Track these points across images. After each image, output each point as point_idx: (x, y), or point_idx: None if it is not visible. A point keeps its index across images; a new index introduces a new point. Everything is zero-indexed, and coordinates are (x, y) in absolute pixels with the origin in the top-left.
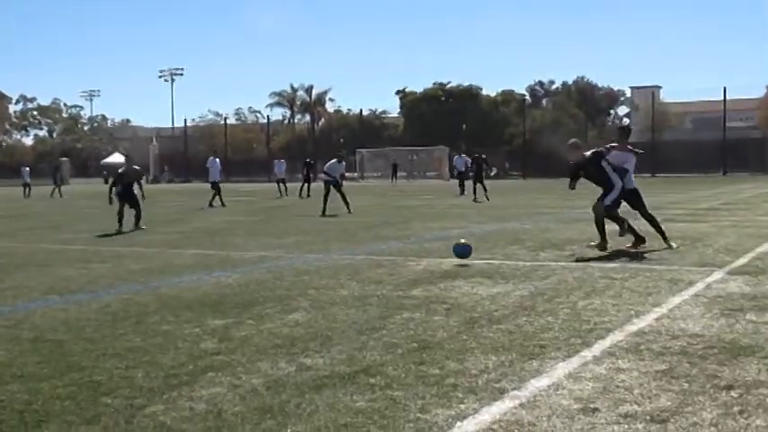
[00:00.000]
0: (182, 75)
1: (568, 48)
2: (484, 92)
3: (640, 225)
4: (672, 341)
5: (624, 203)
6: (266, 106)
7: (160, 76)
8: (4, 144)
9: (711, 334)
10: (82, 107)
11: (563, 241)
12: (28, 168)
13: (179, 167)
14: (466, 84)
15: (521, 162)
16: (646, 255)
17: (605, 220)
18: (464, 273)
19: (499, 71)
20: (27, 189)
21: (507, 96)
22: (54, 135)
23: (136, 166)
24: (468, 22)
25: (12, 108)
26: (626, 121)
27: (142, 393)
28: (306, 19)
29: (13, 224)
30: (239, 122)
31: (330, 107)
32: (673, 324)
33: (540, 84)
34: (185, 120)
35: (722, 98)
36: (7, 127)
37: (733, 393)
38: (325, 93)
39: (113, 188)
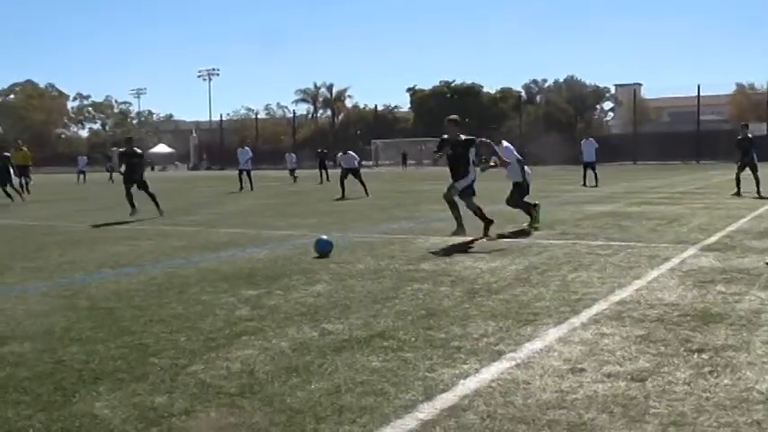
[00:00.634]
0: (218, 74)
1: (560, 49)
2: (485, 89)
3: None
4: (650, 310)
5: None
6: (292, 102)
7: (199, 76)
8: (63, 136)
9: (685, 303)
10: (131, 103)
11: (554, 222)
12: (85, 157)
13: (216, 157)
14: (469, 82)
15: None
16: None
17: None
18: (467, 249)
19: (498, 70)
20: (82, 176)
21: (505, 93)
22: (106, 128)
23: (137, 149)
24: (471, 26)
25: (69, 104)
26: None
27: (185, 354)
28: (327, 23)
29: (69, 207)
30: (268, 117)
31: (349, 103)
32: (651, 295)
33: (535, 82)
34: (221, 114)
35: (696, 94)
36: (65, 121)
37: (704, 356)
38: (345, 90)
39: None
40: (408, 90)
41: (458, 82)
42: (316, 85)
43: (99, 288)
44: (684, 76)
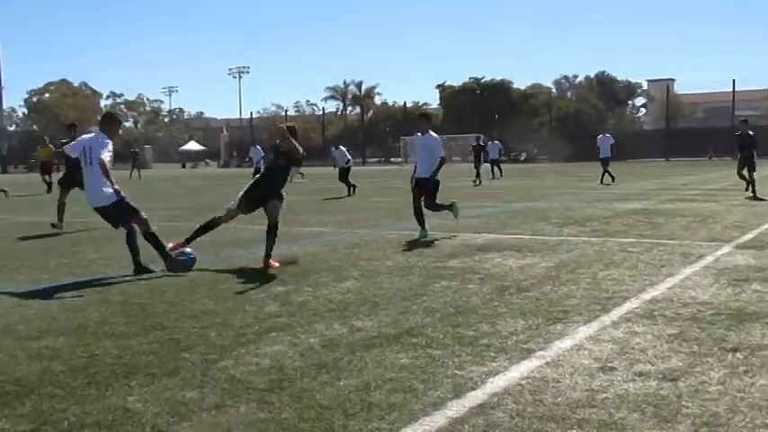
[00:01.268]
0: (248, 72)
1: (591, 44)
2: (514, 85)
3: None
4: (683, 308)
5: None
6: (322, 99)
7: (229, 74)
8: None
9: (719, 302)
10: (162, 101)
11: (585, 218)
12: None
13: (246, 154)
14: (498, 78)
15: (548, 148)
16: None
17: None
18: (496, 246)
19: (528, 66)
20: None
21: (535, 89)
22: (138, 126)
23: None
24: (501, 22)
25: (102, 103)
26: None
27: (215, 350)
28: (357, 20)
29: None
30: (298, 114)
31: (378, 100)
32: (684, 293)
33: (566, 78)
34: (251, 112)
35: (731, 89)
36: (99, 119)
37: (738, 355)
38: (374, 87)
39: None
40: (438, 87)
41: (487, 78)
42: (345, 83)
43: (131, 284)
44: (719, 71)
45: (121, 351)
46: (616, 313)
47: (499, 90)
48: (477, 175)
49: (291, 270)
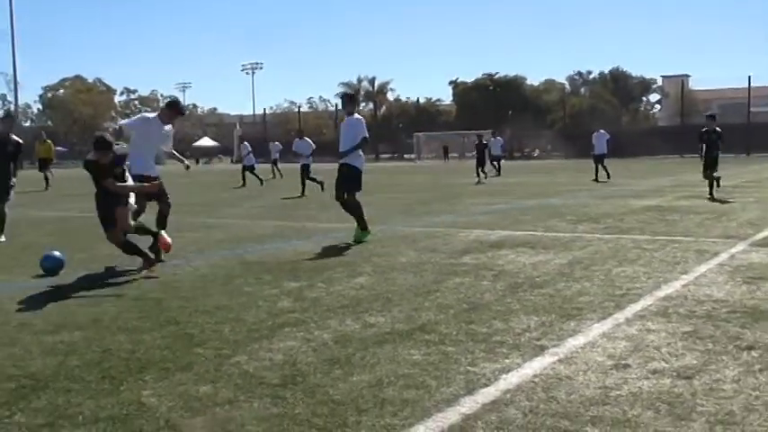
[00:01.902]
0: (261, 68)
1: (605, 40)
2: (528, 81)
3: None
4: (697, 306)
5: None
6: (335, 95)
7: (242, 70)
8: (110, 130)
9: (734, 299)
10: (176, 97)
11: (599, 215)
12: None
13: (260, 150)
14: (512, 74)
15: (561, 144)
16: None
17: None
18: (509, 243)
19: (542, 62)
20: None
21: (549, 85)
22: None
23: (14, 137)
24: (514, 18)
25: (116, 98)
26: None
27: (229, 345)
28: (370, 15)
29: None
30: (311, 110)
31: (390, 96)
32: (698, 290)
33: (579, 74)
34: (264, 108)
35: (747, 86)
36: (113, 115)
37: (754, 353)
38: (387, 83)
39: None
40: (451, 83)
41: (500, 74)
42: (359, 79)
43: (146, 279)
44: (735, 67)
45: (136, 346)
46: (630, 310)
47: (512, 86)
48: (480, 173)
49: (305, 266)
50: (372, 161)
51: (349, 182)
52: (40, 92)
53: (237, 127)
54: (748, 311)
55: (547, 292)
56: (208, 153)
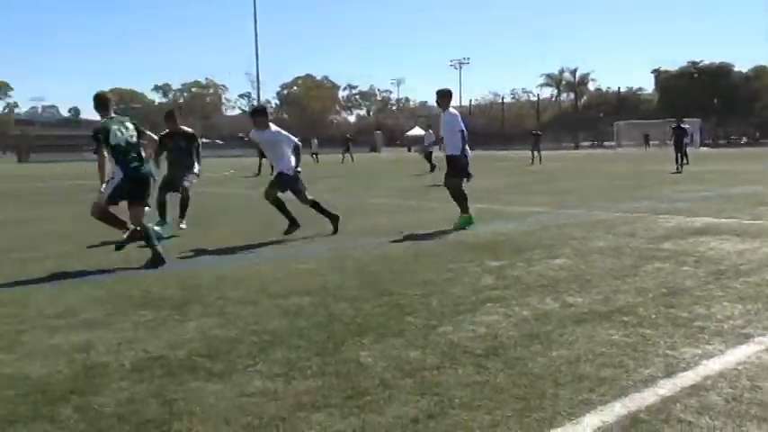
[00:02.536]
0: (468, 63)
1: None
2: (736, 68)
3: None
4: None
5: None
6: (537, 86)
7: (450, 65)
8: (334, 122)
9: None
10: (391, 91)
11: None
12: (316, 140)
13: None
14: (718, 61)
15: None
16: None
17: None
18: (713, 230)
19: (751, 49)
20: (315, 157)
21: (759, 72)
22: (370, 114)
23: (187, 128)
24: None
25: (340, 94)
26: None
27: (436, 316)
28: (571, 8)
29: (335, 182)
30: (514, 101)
31: (591, 86)
32: None
33: None
34: (470, 100)
35: None
36: (337, 108)
37: None
38: (588, 74)
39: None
40: (653, 71)
41: (706, 62)
42: (561, 70)
43: (364, 253)
44: None
45: (355, 312)
46: None
47: (719, 74)
48: (679, 161)
49: (505, 246)
50: (572, 149)
51: (455, 170)
52: (278, 89)
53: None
54: None
55: (753, 280)
56: (418, 141)
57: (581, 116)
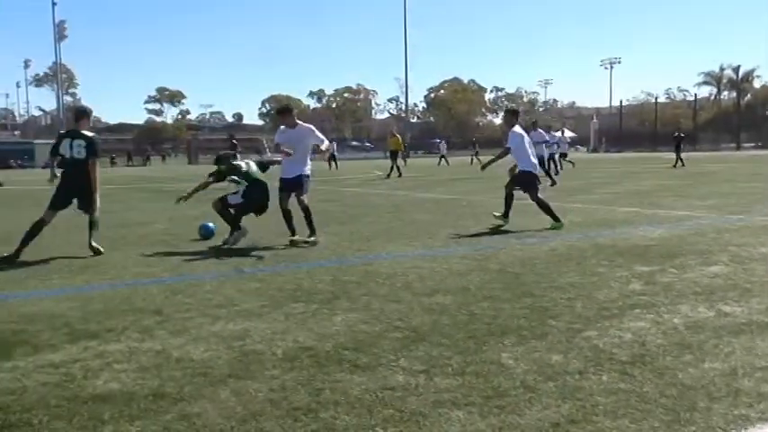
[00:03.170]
0: (619, 63)
1: None
2: None
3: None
4: None
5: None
6: (694, 85)
7: (601, 65)
8: (480, 124)
9: None
10: (538, 93)
11: None
12: (444, 142)
13: (614, 140)
14: None
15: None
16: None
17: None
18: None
19: None
20: (443, 159)
21: None
22: None
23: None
24: None
25: (487, 96)
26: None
27: (580, 320)
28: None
29: (474, 185)
30: (668, 101)
31: (757, 84)
32: None
33: None
34: (621, 100)
35: None
36: (483, 111)
37: None
38: (753, 70)
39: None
40: None
41: None
42: (721, 67)
43: (507, 254)
44: None
45: (497, 312)
46: None
47: None
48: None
49: (655, 251)
50: (733, 149)
51: (526, 185)
52: (425, 92)
53: (594, 119)
54: None
55: None
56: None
57: (743, 116)
